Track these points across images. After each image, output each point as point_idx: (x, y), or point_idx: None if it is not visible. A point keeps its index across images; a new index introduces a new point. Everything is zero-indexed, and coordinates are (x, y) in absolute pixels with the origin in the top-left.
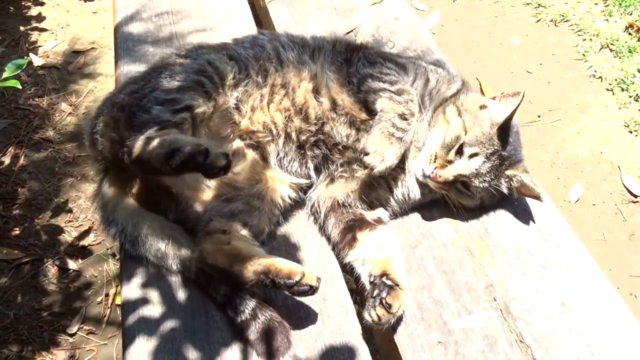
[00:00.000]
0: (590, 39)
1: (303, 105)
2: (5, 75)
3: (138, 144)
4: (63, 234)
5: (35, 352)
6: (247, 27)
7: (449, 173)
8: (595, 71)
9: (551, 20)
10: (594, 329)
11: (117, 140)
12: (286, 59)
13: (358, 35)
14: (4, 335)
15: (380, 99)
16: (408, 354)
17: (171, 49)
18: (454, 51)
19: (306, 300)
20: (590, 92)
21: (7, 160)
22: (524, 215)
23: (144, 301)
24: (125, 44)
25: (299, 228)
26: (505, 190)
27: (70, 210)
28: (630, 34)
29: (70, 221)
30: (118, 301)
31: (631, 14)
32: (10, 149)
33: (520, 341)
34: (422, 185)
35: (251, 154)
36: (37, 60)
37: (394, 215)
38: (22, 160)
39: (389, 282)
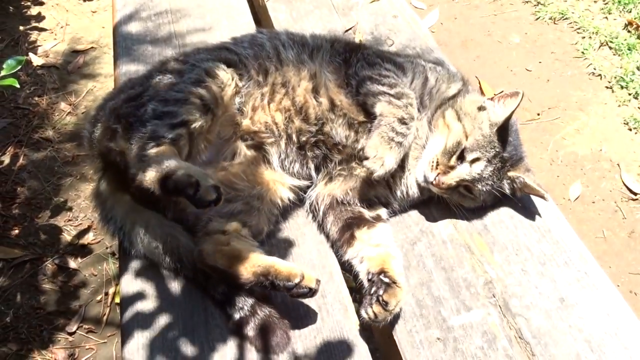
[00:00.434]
0: (590, 37)
1: (303, 105)
2: (3, 73)
3: (133, 161)
4: (62, 233)
5: (34, 350)
6: (246, 26)
7: (451, 179)
8: (594, 69)
9: (550, 18)
10: (593, 325)
11: (115, 150)
12: (286, 58)
13: (357, 33)
14: (3, 334)
15: (380, 103)
16: (407, 351)
17: (170, 49)
18: (453, 49)
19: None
20: (589, 90)
21: (6, 159)
22: (523, 212)
23: (142, 299)
24: (124, 43)
25: (297, 225)
26: (508, 192)
27: (69, 210)
28: (629, 31)
29: (69, 220)
30: (117, 300)
31: (630, 12)
32: (9, 149)
33: (520, 337)
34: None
35: (253, 155)
36: (37, 60)
37: (393, 213)
38: (21, 160)
39: (386, 280)
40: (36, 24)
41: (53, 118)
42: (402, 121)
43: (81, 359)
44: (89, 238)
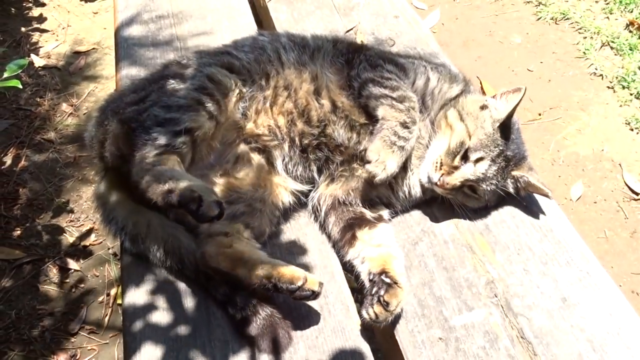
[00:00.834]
0: (591, 37)
1: (305, 108)
2: (5, 75)
3: (136, 170)
4: (64, 234)
5: (36, 351)
6: (248, 27)
7: (455, 179)
8: (596, 69)
9: (552, 19)
10: (595, 324)
11: (117, 155)
12: (287, 61)
13: (358, 34)
14: (5, 335)
15: (382, 106)
16: (409, 351)
17: (172, 52)
18: (454, 50)
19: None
20: (591, 90)
21: (8, 160)
22: (525, 212)
23: (144, 300)
24: (125, 45)
25: (299, 226)
26: (512, 191)
27: (71, 211)
28: (630, 31)
29: (71, 221)
30: (119, 301)
31: (632, 12)
32: (11, 150)
33: (522, 337)
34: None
35: (257, 158)
36: (38, 61)
37: (395, 213)
38: (23, 161)
39: (387, 280)
40: (38, 25)
41: (55, 119)
42: (404, 125)
43: None
44: (90, 239)
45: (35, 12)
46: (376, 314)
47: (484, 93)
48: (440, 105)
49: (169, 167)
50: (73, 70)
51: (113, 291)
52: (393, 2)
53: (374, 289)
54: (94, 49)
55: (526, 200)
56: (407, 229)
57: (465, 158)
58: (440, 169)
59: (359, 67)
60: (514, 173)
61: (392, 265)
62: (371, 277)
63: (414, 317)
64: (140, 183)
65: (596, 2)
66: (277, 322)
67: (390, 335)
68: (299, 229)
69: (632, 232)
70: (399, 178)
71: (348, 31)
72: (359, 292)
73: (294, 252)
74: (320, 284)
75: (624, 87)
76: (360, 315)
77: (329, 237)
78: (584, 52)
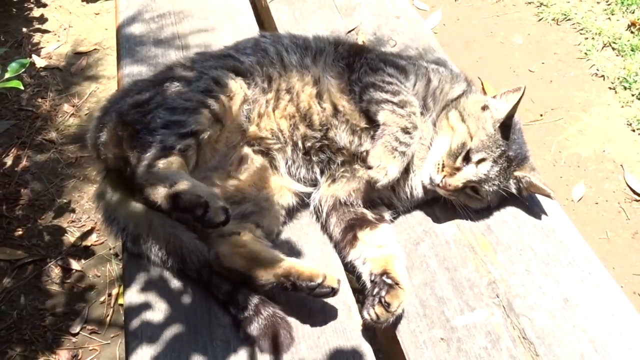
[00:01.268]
0: (593, 38)
1: (307, 112)
2: (7, 75)
3: (140, 172)
4: (66, 235)
5: (38, 352)
6: (249, 27)
7: (457, 181)
8: (597, 70)
9: (553, 19)
10: (597, 325)
11: (120, 157)
12: (289, 63)
13: (359, 34)
14: (7, 335)
15: (383, 112)
16: (411, 351)
17: (173, 51)
18: (455, 51)
19: (307, 297)
20: (592, 91)
21: (9, 161)
22: (527, 212)
23: (146, 299)
24: (127, 45)
25: (301, 226)
26: (514, 191)
27: (72, 211)
28: (632, 32)
29: (73, 222)
30: (121, 301)
31: (633, 12)
32: (12, 150)
33: (523, 338)
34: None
35: (260, 161)
36: (40, 62)
37: (397, 214)
38: (24, 161)
39: (388, 281)
40: (39, 26)
41: (56, 120)
42: (405, 131)
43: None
44: (92, 239)
45: (37, 12)
46: (377, 315)
47: (485, 94)
48: (442, 106)
49: (174, 170)
50: (74, 71)
51: (114, 291)
52: (394, 2)
53: (375, 290)
54: (95, 49)
55: (528, 201)
56: (409, 229)
57: (467, 159)
58: (442, 170)
59: (359, 71)
60: (516, 173)
61: (393, 266)
62: (372, 277)
63: (415, 318)
64: (145, 186)
65: (598, 2)
66: (278, 322)
67: (392, 335)
68: (301, 228)
69: (634, 233)
70: (401, 179)
71: (350, 31)
72: (360, 293)
73: (295, 252)
74: (339, 281)
75: (625, 88)
76: (362, 316)
77: (330, 237)
78: (586, 53)
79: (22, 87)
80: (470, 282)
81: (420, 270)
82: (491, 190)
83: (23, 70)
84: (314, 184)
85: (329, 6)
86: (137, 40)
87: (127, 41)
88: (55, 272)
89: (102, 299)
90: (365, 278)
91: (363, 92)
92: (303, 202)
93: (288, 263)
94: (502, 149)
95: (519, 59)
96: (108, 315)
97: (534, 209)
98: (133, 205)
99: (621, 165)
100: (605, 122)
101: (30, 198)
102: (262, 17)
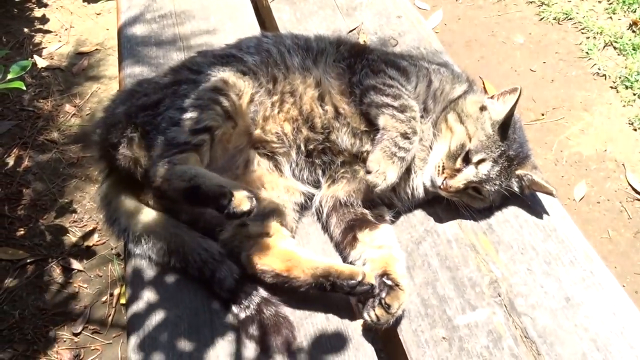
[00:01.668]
0: (594, 37)
1: (309, 114)
2: (9, 76)
3: (155, 170)
4: (67, 235)
5: (40, 351)
6: (250, 27)
7: (458, 182)
8: (599, 69)
9: (554, 19)
10: (599, 324)
11: (130, 158)
12: (292, 65)
13: (361, 34)
14: (9, 335)
15: (383, 116)
16: (412, 350)
17: (175, 51)
18: (457, 50)
19: (309, 296)
20: (594, 90)
21: (11, 161)
22: (528, 211)
23: (148, 299)
24: (128, 45)
25: (302, 225)
26: (516, 190)
27: (74, 211)
28: (634, 31)
29: (74, 221)
30: (123, 301)
31: (635, 12)
32: (14, 150)
33: (525, 337)
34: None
35: (265, 164)
36: (42, 62)
37: (397, 213)
38: (26, 162)
39: (389, 282)
40: (41, 26)
41: (58, 120)
42: (404, 136)
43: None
44: (94, 239)
45: (38, 13)
46: (377, 316)
47: (486, 93)
48: (443, 107)
49: (190, 165)
50: (76, 71)
51: (116, 291)
52: (396, 2)
53: (376, 291)
54: (96, 49)
55: (530, 200)
56: (411, 228)
57: (466, 160)
58: (443, 172)
59: (361, 73)
60: (517, 172)
61: (393, 267)
62: None
63: (417, 317)
64: (161, 183)
65: (599, 2)
66: (280, 321)
67: (394, 334)
68: (302, 228)
69: (636, 232)
70: (401, 180)
71: (351, 31)
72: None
73: None
74: (375, 278)
75: (627, 87)
76: (362, 317)
77: (331, 238)
78: (587, 52)
79: (24, 88)
80: (472, 282)
81: (422, 270)
82: (493, 190)
83: (25, 71)
84: (317, 185)
85: (330, 6)
86: (138, 41)
87: (128, 41)
88: (57, 272)
89: (104, 299)
90: None
91: (364, 95)
92: (307, 203)
93: (326, 263)
94: (502, 149)
95: (520, 59)
96: (110, 315)
97: (536, 208)
98: (135, 205)
99: (623, 165)
100: (607, 121)
101: (32, 198)
102: (263, 16)
